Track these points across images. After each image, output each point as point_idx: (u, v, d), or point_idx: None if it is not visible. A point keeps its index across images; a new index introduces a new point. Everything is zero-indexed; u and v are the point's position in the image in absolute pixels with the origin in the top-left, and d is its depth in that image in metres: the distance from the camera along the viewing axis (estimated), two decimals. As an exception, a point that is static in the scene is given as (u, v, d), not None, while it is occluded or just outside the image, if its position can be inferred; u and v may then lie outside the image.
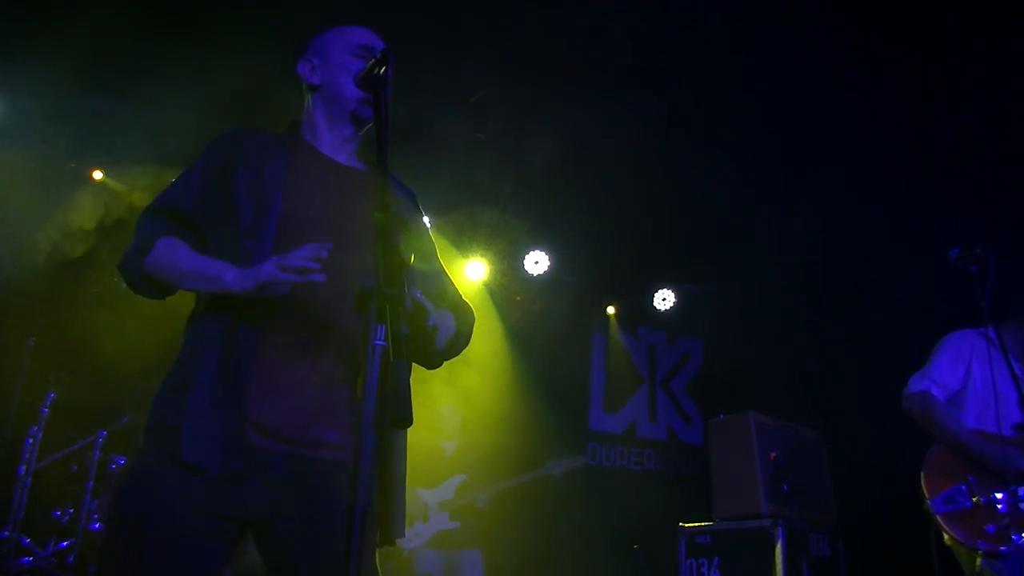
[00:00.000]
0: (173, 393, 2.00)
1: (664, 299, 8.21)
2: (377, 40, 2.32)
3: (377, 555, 2.01)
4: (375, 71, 1.97)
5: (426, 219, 2.48)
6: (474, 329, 2.37)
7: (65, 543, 5.46)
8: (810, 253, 6.90)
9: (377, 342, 1.61)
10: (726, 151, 6.09)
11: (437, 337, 2.09)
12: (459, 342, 2.29)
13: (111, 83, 5.50)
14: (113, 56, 5.23)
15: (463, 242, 7.37)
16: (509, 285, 7.79)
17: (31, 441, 5.58)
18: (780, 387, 6.95)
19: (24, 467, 5.54)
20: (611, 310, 8.53)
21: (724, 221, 7.04)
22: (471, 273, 7.50)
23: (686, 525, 5.47)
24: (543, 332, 7.78)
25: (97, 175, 6.42)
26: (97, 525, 5.40)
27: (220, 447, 1.91)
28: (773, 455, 5.38)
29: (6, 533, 5.35)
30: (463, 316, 2.32)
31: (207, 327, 2.04)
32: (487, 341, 7.36)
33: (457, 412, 6.01)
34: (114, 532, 1.92)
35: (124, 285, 2.20)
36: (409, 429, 1.99)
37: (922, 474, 3.72)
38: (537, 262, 7.57)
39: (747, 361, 7.76)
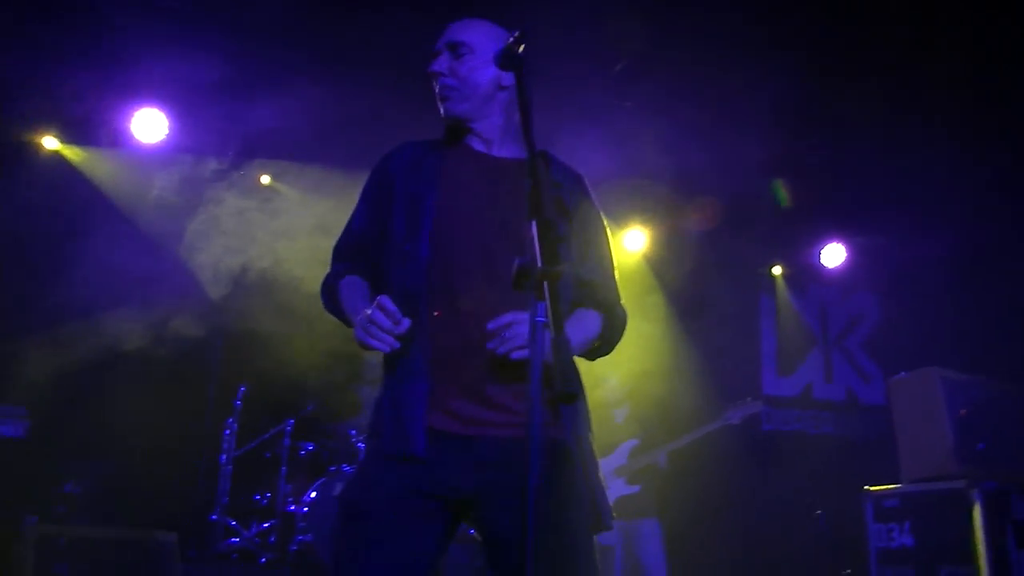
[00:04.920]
0: (377, 401, 2.18)
1: (833, 255, 7.84)
2: (440, 39, 2.30)
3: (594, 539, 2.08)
4: (512, 50, 1.97)
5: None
6: (626, 324, 2.33)
7: (266, 524, 5.86)
8: (988, 191, 6.42)
9: (538, 319, 1.62)
10: (885, 95, 5.75)
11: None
12: (604, 344, 2.28)
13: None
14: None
15: (621, 212, 7.32)
16: (668, 252, 7.67)
17: (228, 432, 6.01)
18: (968, 338, 6.53)
19: (225, 456, 5.98)
20: (777, 270, 8.26)
21: (894, 165, 6.65)
22: (630, 243, 7.45)
23: (872, 489, 5.23)
24: (709, 298, 7.62)
25: (265, 179, 6.81)
26: (292, 507, 5.74)
27: (416, 437, 2.03)
28: (963, 412, 5.06)
29: (215, 516, 5.80)
30: (610, 317, 2.27)
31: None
32: (649, 312, 7.29)
33: (624, 380, 6.00)
34: (339, 518, 2.09)
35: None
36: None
37: None
38: (697, 226, 7.43)
39: (929, 313, 7.33)
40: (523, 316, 1.94)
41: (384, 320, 1.98)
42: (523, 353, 1.94)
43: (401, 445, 2.04)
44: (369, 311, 2.01)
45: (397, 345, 1.99)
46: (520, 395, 2.06)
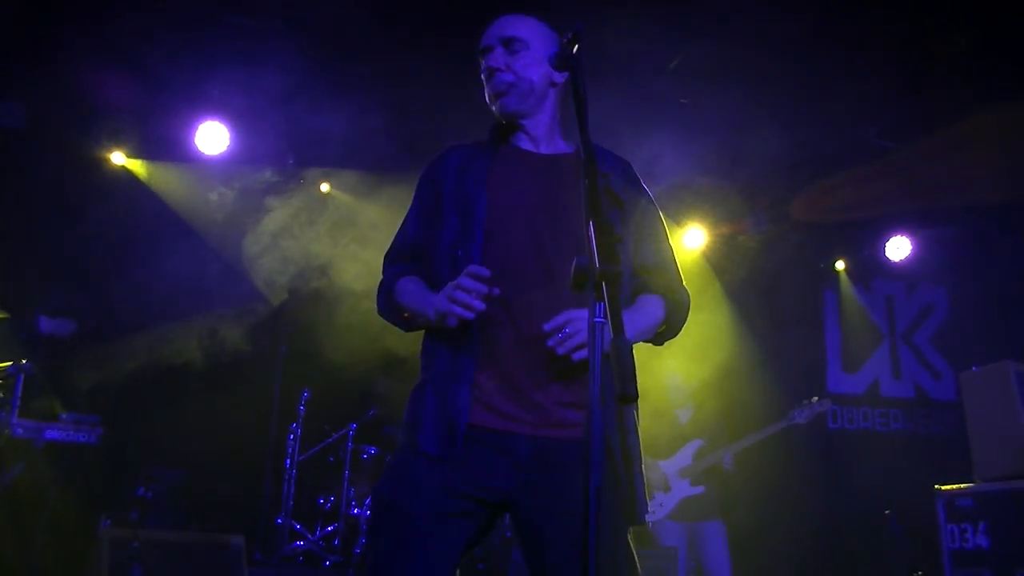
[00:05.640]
0: (416, 393, 2.16)
1: (898, 248, 7.65)
2: (488, 35, 2.29)
3: (630, 533, 2.06)
4: (568, 51, 1.96)
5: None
6: (690, 306, 2.30)
7: (331, 527, 5.93)
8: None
9: (597, 319, 1.61)
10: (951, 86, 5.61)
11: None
12: (669, 328, 2.26)
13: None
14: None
15: (680, 210, 7.27)
16: (728, 251, 7.58)
17: (292, 437, 6.11)
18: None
19: (289, 460, 6.07)
20: (840, 265, 8.10)
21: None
22: (689, 241, 7.39)
23: (944, 488, 5.09)
24: (770, 295, 7.52)
25: (324, 187, 6.91)
26: (356, 510, 5.81)
27: (456, 438, 2.03)
28: (1041, 406, 4.88)
29: (281, 520, 5.89)
30: (671, 300, 2.25)
31: (440, 330, 2.14)
32: (712, 309, 7.22)
33: (687, 380, 5.93)
34: (373, 512, 2.11)
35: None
36: (641, 401, 2.02)
37: None
38: (758, 223, 7.34)
39: (1000, 305, 7.11)
40: (579, 313, 1.96)
41: (472, 283, 1.95)
42: (583, 353, 1.93)
43: (442, 448, 2.03)
44: (456, 280, 1.98)
45: (481, 307, 1.96)
46: (568, 397, 2.07)
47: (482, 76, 2.32)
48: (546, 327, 1.95)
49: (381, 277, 2.36)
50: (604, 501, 1.59)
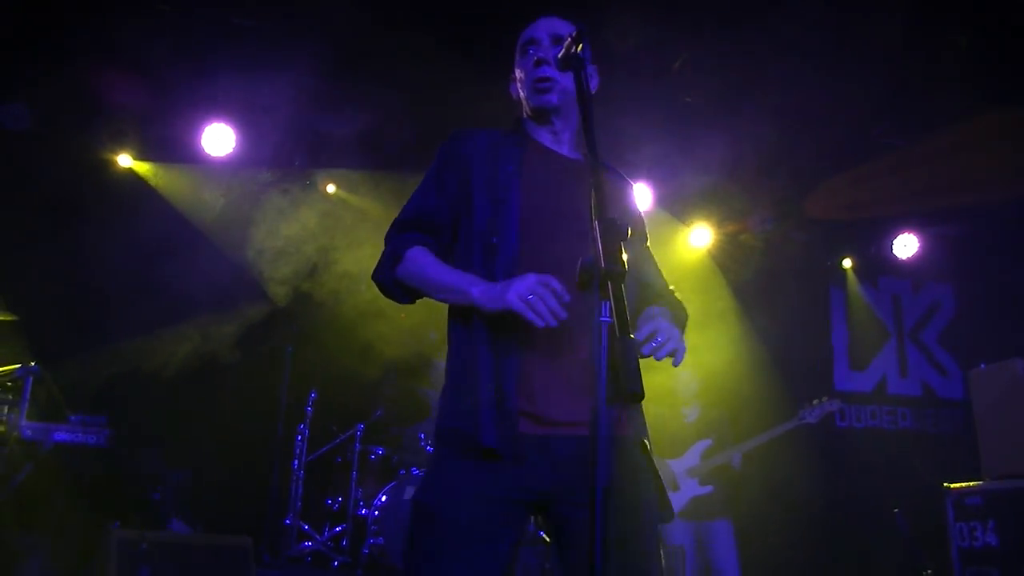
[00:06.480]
0: (452, 401, 2.13)
1: (905, 245, 7.63)
2: (536, 29, 2.31)
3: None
4: (571, 50, 1.96)
5: (642, 209, 2.44)
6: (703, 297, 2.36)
7: (339, 528, 5.94)
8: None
9: (603, 319, 1.61)
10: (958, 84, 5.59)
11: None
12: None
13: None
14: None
15: (686, 209, 7.26)
16: (735, 249, 7.58)
17: (300, 438, 6.11)
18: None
19: (297, 461, 6.08)
20: (847, 263, 8.09)
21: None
22: (695, 240, 7.38)
23: (952, 486, 5.07)
24: (777, 294, 7.51)
25: (330, 188, 6.92)
26: (364, 511, 5.81)
27: (502, 441, 2.00)
28: (1050, 404, 4.85)
29: (289, 520, 5.90)
30: (681, 310, 2.33)
31: (468, 333, 2.13)
32: (719, 308, 7.22)
33: (694, 379, 5.92)
34: (413, 521, 2.08)
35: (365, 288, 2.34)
36: (649, 400, 2.02)
37: None
38: (764, 221, 7.32)
39: (1008, 303, 7.09)
40: (662, 323, 2.01)
41: (552, 299, 1.93)
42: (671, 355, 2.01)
43: (502, 443, 1.99)
44: (534, 284, 1.94)
45: (554, 323, 1.93)
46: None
47: (519, 69, 2.33)
48: (638, 336, 1.96)
49: (386, 246, 2.28)
50: (623, 496, 1.57)
